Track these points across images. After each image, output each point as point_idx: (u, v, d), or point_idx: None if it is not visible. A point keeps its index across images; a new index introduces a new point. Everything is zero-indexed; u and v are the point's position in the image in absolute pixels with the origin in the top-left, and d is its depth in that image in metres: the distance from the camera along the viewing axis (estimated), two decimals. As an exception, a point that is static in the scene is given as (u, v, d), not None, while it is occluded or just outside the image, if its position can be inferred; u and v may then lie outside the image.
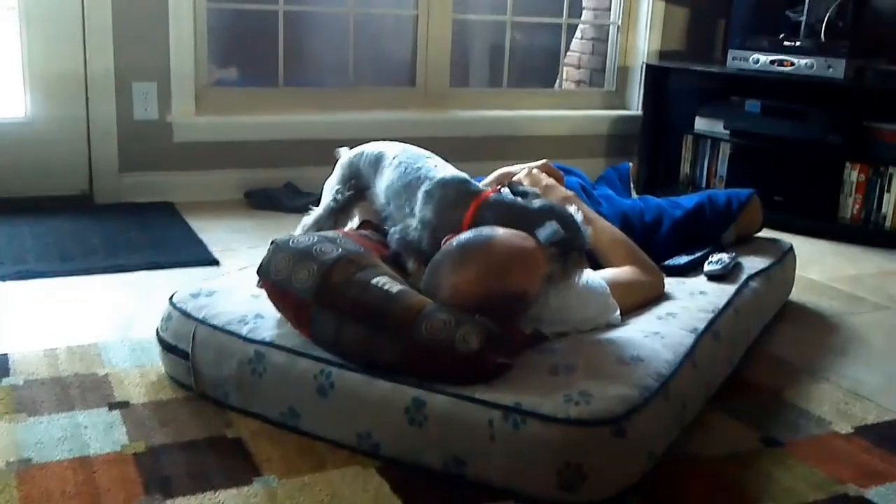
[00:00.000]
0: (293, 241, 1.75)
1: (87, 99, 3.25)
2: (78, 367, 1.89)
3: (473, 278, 1.62)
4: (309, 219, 2.06)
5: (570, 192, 2.20)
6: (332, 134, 3.61)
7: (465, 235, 1.70)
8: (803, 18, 3.62)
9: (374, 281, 1.64)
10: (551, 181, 2.21)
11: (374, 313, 1.59)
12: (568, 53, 4.63)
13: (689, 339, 1.79)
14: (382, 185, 1.94)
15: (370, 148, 2.04)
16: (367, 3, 3.88)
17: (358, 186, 2.03)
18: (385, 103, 3.82)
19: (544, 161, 2.31)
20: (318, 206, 2.07)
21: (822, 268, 2.94)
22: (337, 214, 2.04)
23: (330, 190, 2.07)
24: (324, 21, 3.96)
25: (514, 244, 1.65)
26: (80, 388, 1.79)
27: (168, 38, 3.29)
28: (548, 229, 1.68)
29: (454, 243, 1.69)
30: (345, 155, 2.10)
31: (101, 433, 1.61)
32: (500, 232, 1.68)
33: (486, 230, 1.70)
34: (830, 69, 3.40)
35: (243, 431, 1.65)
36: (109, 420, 1.66)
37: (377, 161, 1.98)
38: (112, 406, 1.72)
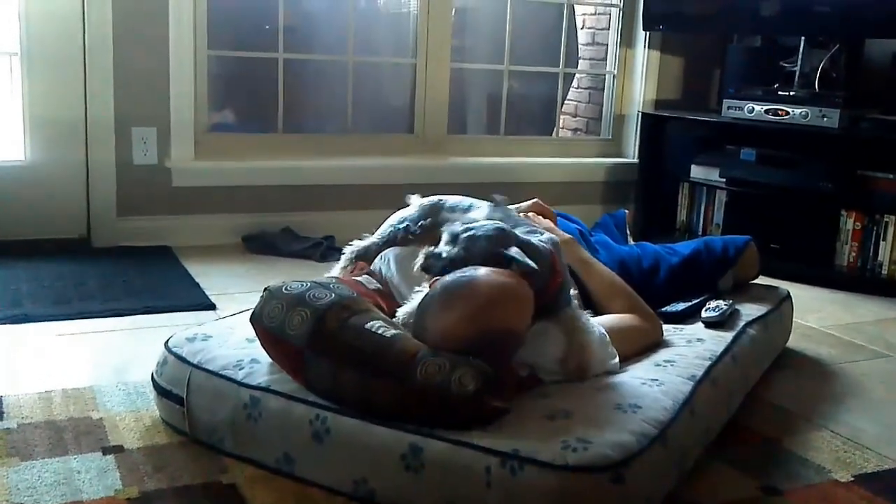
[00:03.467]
0: (286, 288, 1.74)
1: (86, 143, 3.27)
2: (72, 410, 1.87)
3: (460, 320, 1.60)
4: (361, 243, 2.11)
5: (567, 235, 2.20)
6: (331, 180, 3.65)
7: (449, 278, 1.68)
8: (797, 68, 3.66)
9: (367, 325, 1.64)
10: (547, 223, 2.22)
11: (369, 358, 1.58)
12: (565, 102, 4.67)
13: (687, 387, 1.78)
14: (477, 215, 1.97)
15: (456, 199, 2.08)
16: (366, 52, 3.92)
17: (430, 227, 2.04)
18: (383, 150, 3.84)
19: (535, 200, 2.30)
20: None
21: (819, 315, 2.94)
22: (400, 244, 2.05)
23: (396, 221, 2.10)
24: (323, 69, 3.99)
25: (497, 281, 1.64)
26: (74, 432, 1.77)
27: (168, 84, 3.32)
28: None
29: (438, 287, 1.68)
30: (426, 199, 2.12)
31: (94, 478, 1.60)
32: (482, 271, 1.66)
33: (468, 270, 1.67)
34: (825, 118, 3.44)
35: (238, 477, 1.63)
36: (103, 465, 1.65)
37: (469, 207, 2.03)
38: (106, 450, 1.70)
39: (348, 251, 2.13)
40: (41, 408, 1.88)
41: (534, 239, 1.79)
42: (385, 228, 2.12)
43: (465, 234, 1.74)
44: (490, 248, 1.70)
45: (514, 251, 1.68)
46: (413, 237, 2.06)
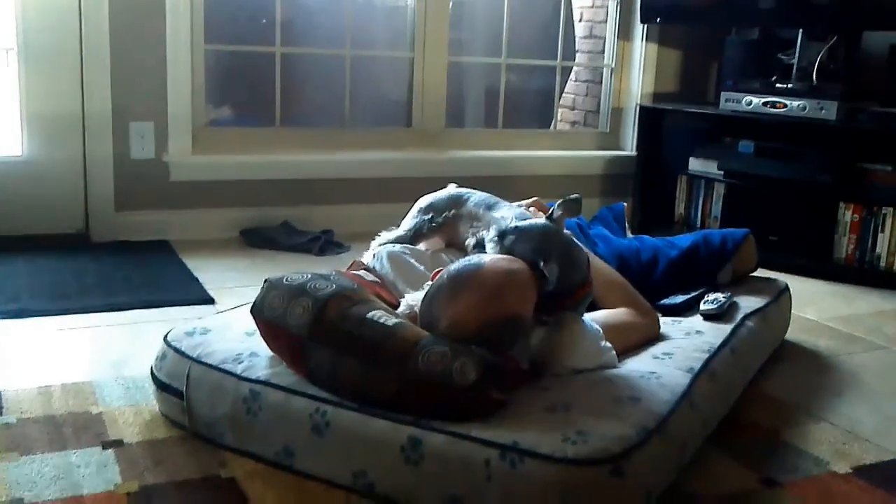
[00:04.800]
0: (287, 279, 1.75)
1: (84, 138, 3.26)
2: (72, 405, 1.87)
3: (469, 307, 1.62)
4: (390, 234, 2.18)
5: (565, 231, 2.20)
6: (328, 173, 3.65)
7: (455, 266, 1.72)
8: (795, 61, 3.66)
9: (369, 315, 1.64)
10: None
11: (371, 347, 1.59)
12: (562, 95, 4.67)
13: (685, 379, 1.78)
14: (500, 214, 2.03)
15: (483, 196, 2.15)
16: (364, 46, 3.92)
17: (452, 218, 2.13)
18: (381, 143, 3.84)
19: (535, 199, 2.32)
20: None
21: (817, 307, 2.94)
22: (425, 235, 2.16)
23: (422, 209, 2.18)
24: (320, 62, 3.99)
25: (504, 268, 1.67)
26: (74, 426, 1.78)
27: (166, 78, 3.32)
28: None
29: (445, 275, 1.70)
30: (453, 189, 2.22)
31: (94, 472, 1.60)
32: (488, 258, 1.71)
33: (473, 258, 1.72)
34: (823, 111, 3.43)
35: (237, 471, 1.63)
36: (103, 459, 1.65)
37: (494, 204, 2.10)
38: (105, 445, 1.71)
39: (376, 243, 2.18)
40: (40, 402, 1.88)
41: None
42: (411, 220, 2.19)
43: (511, 236, 1.80)
44: (530, 254, 1.74)
45: (551, 268, 1.71)
46: (436, 226, 2.15)
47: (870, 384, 2.28)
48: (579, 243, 1.90)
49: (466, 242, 2.02)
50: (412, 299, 1.80)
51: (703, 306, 2.23)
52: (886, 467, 1.80)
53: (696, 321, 2.18)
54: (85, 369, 2.10)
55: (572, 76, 4.86)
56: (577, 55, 4.74)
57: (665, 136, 4.06)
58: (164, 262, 3.09)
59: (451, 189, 2.23)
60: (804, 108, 3.48)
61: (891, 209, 3.30)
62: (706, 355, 1.93)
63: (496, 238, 1.81)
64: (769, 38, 3.97)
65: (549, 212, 1.88)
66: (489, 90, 4.39)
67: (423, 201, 2.22)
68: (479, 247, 1.85)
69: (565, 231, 1.88)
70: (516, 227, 1.82)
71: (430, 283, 1.76)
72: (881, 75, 3.67)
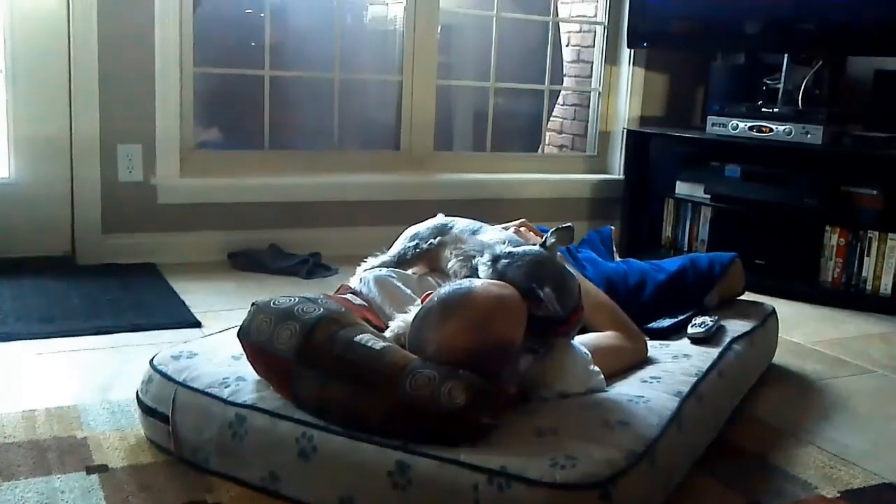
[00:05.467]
0: (274, 302, 1.75)
1: (71, 160, 3.26)
2: (56, 429, 1.86)
3: (459, 331, 1.62)
4: (375, 260, 2.19)
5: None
6: (317, 196, 3.65)
7: (445, 290, 1.71)
8: (781, 86, 3.69)
9: (357, 338, 1.64)
10: (535, 239, 2.23)
11: (358, 370, 1.58)
12: (550, 119, 4.69)
13: (673, 403, 1.78)
14: (485, 238, 2.04)
15: (467, 222, 2.18)
16: (353, 69, 3.93)
17: (437, 246, 2.15)
18: (369, 166, 3.84)
19: (522, 220, 2.33)
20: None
21: (804, 331, 2.95)
22: (410, 261, 2.18)
23: (409, 238, 2.21)
24: (309, 86, 4.00)
25: (495, 293, 1.67)
26: (58, 451, 1.76)
27: (154, 101, 3.32)
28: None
29: (435, 299, 1.70)
30: (437, 218, 2.25)
31: (78, 498, 1.58)
32: (479, 283, 1.70)
33: (464, 283, 1.72)
34: (808, 135, 3.46)
35: (223, 496, 1.62)
36: (87, 484, 1.63)
37: (478, 229, 2.13)
38: (90, 470, 1.69)
39: (362, 268, 2.19)
40: (24, 427, 1.86)
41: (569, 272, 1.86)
42: (398, 246, 2.21)
43: (505, 260, 1.80)
44: (524, 279, 1.73)
45: (546, 292, 1.70)
46: (420, 252, 2.17)
47: (857, 408, 2.28)
48: (571, 269, 1.90)
49: (449, 265, 2.02)
50: (400, 323, 1.80)
51: (690, 330, 2.23)
52: (874, 491, 1.80)
53: (683, 345, 2.18)
54: (70, 393, 2.08)
55: (560, 100, 4.88)
56: (565, 79, 4.77)
57: (652, 160, 4.08)
58: (151, 285, 3.08)
59: (438, 219, 2.25)
60: (790, 133, 3.51)
61: (876, 233, 3.32)
62: (694, 379, 1.93)
63: (489, 262, 1.81)
64: (755, 63, 4.00)
65: (543, 239, 1.88)
66: (477, 114, 4.40)
67: (409, 231, 2.24)
68: (472, 271, 1.85)
69: (558, 256, 1.89)
70: (510, 252, 1.82)
71: (419, 305, 1.76)
72: (866, 100, 3.70)
